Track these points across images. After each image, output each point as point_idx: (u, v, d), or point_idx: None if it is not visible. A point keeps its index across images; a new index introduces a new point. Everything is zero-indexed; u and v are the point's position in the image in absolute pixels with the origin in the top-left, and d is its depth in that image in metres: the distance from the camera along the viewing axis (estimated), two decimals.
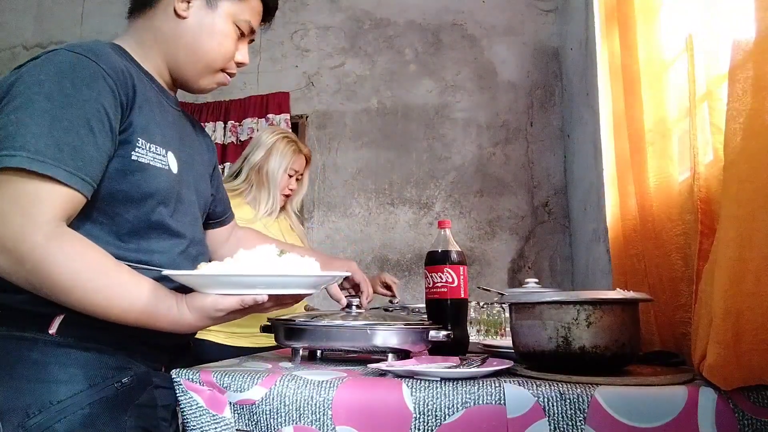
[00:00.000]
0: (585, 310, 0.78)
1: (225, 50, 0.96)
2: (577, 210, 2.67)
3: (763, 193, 0.67)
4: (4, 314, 0.81)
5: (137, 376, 0.86)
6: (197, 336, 1.14)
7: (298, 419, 0.77)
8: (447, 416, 0.73)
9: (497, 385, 0.74)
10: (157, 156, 0.88)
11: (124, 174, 0.83)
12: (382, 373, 0.83)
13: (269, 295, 0.80)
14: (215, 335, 1.64)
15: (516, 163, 3.01)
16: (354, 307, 1.05)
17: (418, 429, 0.73)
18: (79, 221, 0.80)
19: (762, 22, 0.69)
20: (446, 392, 0.74)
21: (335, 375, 0.82)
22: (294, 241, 1.81)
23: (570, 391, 0.71)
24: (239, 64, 1.01)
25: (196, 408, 0.81)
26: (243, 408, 0.80)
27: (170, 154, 0.91)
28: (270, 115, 3.22)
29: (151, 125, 0.89)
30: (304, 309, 1.98)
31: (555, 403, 0.71)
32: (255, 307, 0.81)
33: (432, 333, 0.97)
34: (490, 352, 1.00)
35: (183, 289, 0.82)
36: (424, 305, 1.17)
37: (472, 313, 1.43)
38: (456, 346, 1.05)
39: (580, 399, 0.70)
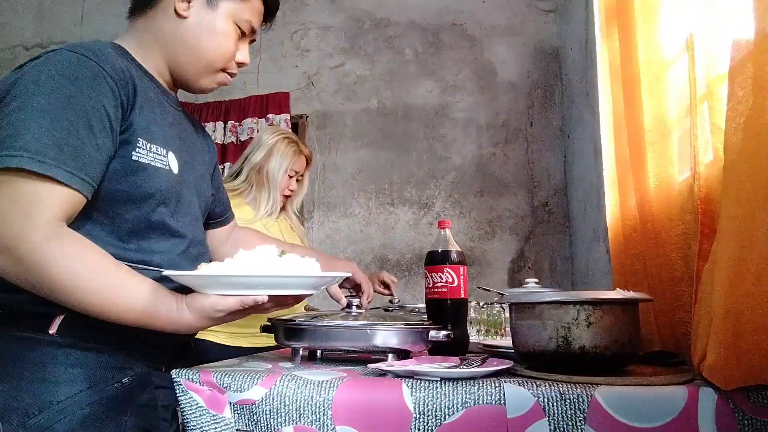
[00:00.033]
0: (585, 310, 0.78)
1: (225, 50, 0.96)
2: (577, 210, 2.67)
3: (763, 193, 0.67)
4: (4, 314, 0.81)
5: (137, 376, 0.86)
6: (197, 336, 1.14)
7: (298, 419, 0.77)
8: (447, 416, 0.73)
9: (497, 385, 0.74)
10: (157, 156, 0.88)
11: (124, 174, 0.83)
12: (382, 373, 0.83)
13: (269, 296, 0.80)
14: (215, 335, 1.64)
15: (516, 163, 3.01)
16: (354, 307, 1.05)
17: (418, 429, 0.73)
18: (79, 221, 0.80)
19: (761, 22, 0.69)
20: (446, 392, 0.74)
21: (335, 375, 0.82)
22: (294, 242, 1.81)
23: (570, 391, 0.71)
24: (240, 64, 1.01)
25: (196, 408, 0.81)
26: (243, 408, 0.80)
27: (171, 155, 0.91)
28: (270, 115, 3.23)
29: (152, 125, 0.89)
30: (304, 309, 1.98)
31: (555, 403, 0.71)
32: (255, 308, 0.81)
33: (432, 333, 0.97)
34: (490, 352, 1.00)
35: (183, 290, 0.82)
36: (423, 305, 1.17)
37: (472, 313, 1.43)
38: (456, 346, 1.05)
39: (580, 399, 0.70)
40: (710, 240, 0.81)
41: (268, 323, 1.04)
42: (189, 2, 0.93)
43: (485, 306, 1.44)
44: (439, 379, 0.76)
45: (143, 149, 0.85)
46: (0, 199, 0.73)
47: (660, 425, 0.68)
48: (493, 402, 0.72)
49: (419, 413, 0.73)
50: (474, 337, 1.37)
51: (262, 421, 0.78)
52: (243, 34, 0.99)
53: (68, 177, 0.75)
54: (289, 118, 3.23)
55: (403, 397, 0.74)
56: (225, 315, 0.80)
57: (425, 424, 0.73)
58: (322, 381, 0.79)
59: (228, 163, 3.17)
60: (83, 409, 0.78)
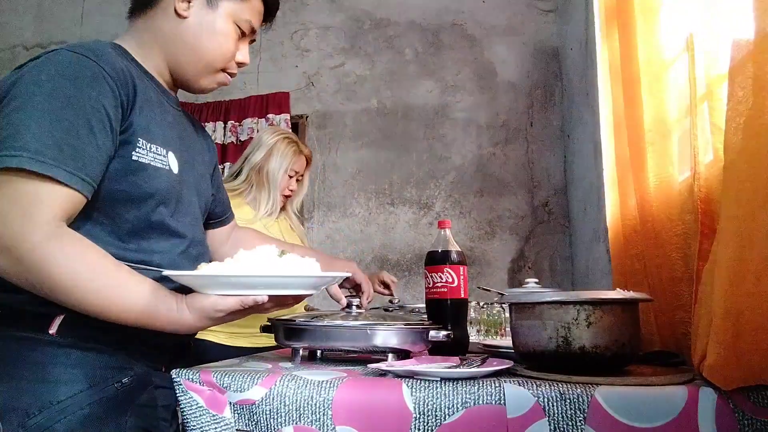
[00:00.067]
0: (585, 310, 0.78)
1: (225, 50, 0.96)
2: (577, 210, 2.67)
3: (763, 193, 0.67)
4: (4, 314, 0.81)
5: (137, 376, 0.86)
6: (197, 336, 1.14)
7: (298, 419, 0.77)
8: (447, 416, 0.73)
9: (497, 385, 0.74)
10: (157, 156, 0.88)
11: (124, 174, 0.83)
12: (382, 373, 0.83)
13: (269, 296, 0.80)
14: (215, 335, 1.64)
15: (516, 163, 3.01)
16: (354, 307, 1.05)
17: (418, 429, 0.73)
18: (79, 221, 0.80)
19: (760, 22, 0.69)
20: (446, 392, 0.74)
21: (335, 375, 0.82)
22: (294, 242, 1.81)
23: (570, 391, 0.71)
24: (240, 64, 1.01)
25: (196, 408, 0.81)
26: (243, 408, 0.80)
27: (171, 155, 0.91)
28: (270, 115, 3.23)
29: (152, 125, 0.89)
30: (304, 309, 1.98)
31: (555, 403, 0.71)
32: (255, 308, 0.81)
33: (432, 333, 0.97)
34: (490, 352, 1.00)
35: (183, 290, 0.82)
36: (423, 305, 1.17)
37: (472, 313, 1.43)
38: (456, 346, 1.05)
39: (580, 399, 0.70)
40: (710, 240, 0.81)
41: (268, 323, 1.04)
42: (189, 2, 0.93)
43: (485, 306, 1.44)
44: (439, 379, 0.76)
45: (143, 149, 0.85)
46: (0, 199, 0.73)
47: (660, 425, 0.68)
48: (493, 402, 0.72)
49: (419, 413, 0.73)
50: (474, 337, 1.37)
51: (262, 421, 0.78)
52: (243, 34, 0.98)
53: (68, 177, 0.75)
54: (289, 118, 3.23)
55: (403, 397, 0.74)
56: (225, 315, 0.80)
57: (425, 424, 0.73)
58: (322, 381, 0.79)
59: (228, 163, 3.17)
60: (83, 409, 0.78)
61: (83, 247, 0.77)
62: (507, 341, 1.00)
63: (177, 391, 0.83)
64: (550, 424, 0.70)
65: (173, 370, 0.85)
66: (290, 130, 2.61)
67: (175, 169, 0.92)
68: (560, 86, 2.99)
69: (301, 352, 1.00)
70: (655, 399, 0.69)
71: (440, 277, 1.09)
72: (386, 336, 0.94)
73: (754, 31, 0.70)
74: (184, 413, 0.82)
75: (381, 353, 0.97)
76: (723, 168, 0.74)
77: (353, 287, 1.37)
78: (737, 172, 0.70)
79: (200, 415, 0.81)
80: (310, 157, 1.90)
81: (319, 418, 0.76)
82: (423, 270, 1.13)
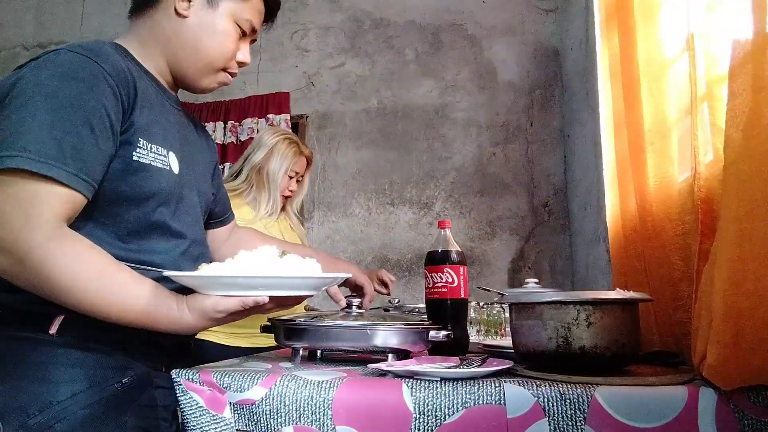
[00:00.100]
0: (585, 310, 0.78)
1: (226, 49, 0.96)
2: (577, 210, 2.67)
3: (763, 193, 0.67)
4: (4, 314, 0.81)
5: (137, 376, 0.86)
6: (197, 336, 1.14)
7: (298, 419, 0.77)
8: (447, 416, 0.73)
9: (497, 385, 0.74)
10: (158, 156, 0.88)
11: (125, 174, 0.83)
12: (382, 373, 0.83)
13: (270, 297, 0.80)
14: (216, 335, 1.64)
15: (516, 163, 3.01)
16: (354, 308, 1.05)
17: (418, 429, 0.73)
18: (80, 222, 0.80)
19: (759, 23, 0.69)
20: (446, 392, 0.74)
21: (335, 375, 0.82)
22: (294, 242, 1.81)
23: (570, 391, 0.71)
24: (240, 64, 1.01)
25: (196, 408, 0.81)
26: (243, 408, 0.80)
27: (171, 155, 0.91)
28: (270, 115, 3.23)
29: (153, 125, 0.89)
30: (305, 309, 1.98)
31: (555, 403, 0.71)
32: (256, 309, 0.81)
33: (432, 333, 0.97)
34: (490, 352, 1.00)
35: (184, 290, 0.82)
36: (423, 305, 1.17)
37: (472, 313, 1.43)
38: (456, 346, 1.05)
39: (580, 399, 0.70)
40: (710, 240, 0.81)
41: (268, 323, 1.04)
42: (189, 2, 0.93)
43: (485, 306, 1.45)
44: (439, 379, 0.76)
45: (144, 149, 0.85)
46: (0, 199, 0.73)
47: (660, 425, 0.68)
48: (493, 402, 0.72)
49: (419, 413, 0.73)
50: (474, 337, 1.37)
51: (262, 421, 0.78)
52: (244, 34, 0.98)
53: (69, 177, 0.75)
54: (289, 118, 3.23)
55: (403, 397, 0.74)
56: (225, 315, 0.80)
57: (425, 424, 0.73)
58: (322, 381, 0.79)
59: (228, 163, 3.17)
60: (83, 409, 0.78)
61: (84, 247, 0.77)
62: (507, 341, 1.00)
63: (177, 391, 0.83)
64: (550, 424, 0.70)
65: (173, 370, 0.85)
66: (290, 131, 2.61)
67: (176, 169, 0.92)
68: (560, 86, 2.99)
69: (301, 352, 1.00)
70: (655, 399, 0.69)
71: (440, 277, 1.09)
72: (386, 336, 0.94)
73: (753, 31, 0.70)
74: (184, 413, 0.82)
75: (381, 353, 0.97)
76: (723, 168, 0.74)
77: (353, 288, 1.37)
78: (737, 172, 0.70)
79: (200, 415, 0.81)
80: (310, 157, 1.90)
81: (319, 418, 0.76)
82: (423, 270, 1.13)
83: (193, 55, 0.95)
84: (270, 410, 0.78)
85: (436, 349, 1.03)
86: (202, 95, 2.71)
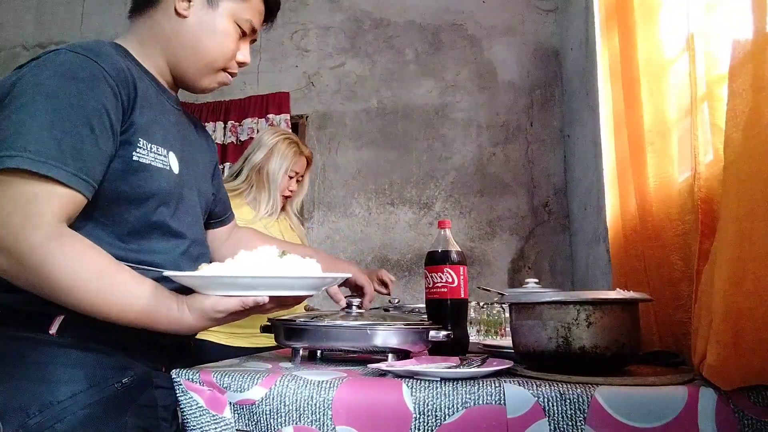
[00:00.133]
0: (585, 310, 0.78)
1: (226, 49, 0.96)
2: (577, 210, 2.67)
3: (763, 193, 0.67)
4: (4, 314, 0.81)
5: (137, 376, 0.86)
6: (197, 336, 1.14)
7: (298, 419, 0.77)
8: (447, 416, 0.73)
9: (497, 385, 0.74)
10: (158, 156, 0.88)
11: (125, 174, 0.83)
12: (382, 373, 0.83)
13: (270, 297, 0.80)
14: (216, 335, 1.64)
15: (516, 163, 3.01)
16: (354, 308, 1.05)
17: (418, 429, 0.73)
18: (80, 222, 0.80)
19: (759, 22, 0.69)
20: (446, 392, 0.74)
21: (335, 375, 0.82)
22: (294, 242, 1.81)
23: (570, 391, 0.71)
24: (240, 64, 1.01)
25: (196, 408, 0.81)
26: (243, 408, 0.80)
27: (171, 155, 0.91)
28: (270, 115, 3.23)
29: (153, 125, 0.89)
30: (305, 309, 1.98)
31: (555, 403, 0.71)
32: (256, 309, 0.81)
33: (432, 333, 0.97)
34: (490, 352, 1.00)
35: (184, 290, 0.82)
36: (423, 305, 1.17)
37: (472, 313, 1.43)
38: (456, 346, 1.05)
39: (580, 399, 0.70)
40: (710, 240, 0.81)
41: (268, 323, 1.04)
42: (189, 1, 0.93)
43: (485, 306, 1.45)
44: (439, 379, 0.76)
45: (144, 149, 0.85)
46: (0, 199, 0.73)
47: (660, 425, 0.68)
48: (493, 402, 0.72)
49: (419, 413, 0.73)
50: (474, 337, 1.37)
51: (262, 421, 0.78)
52: (244, 34, 0.98)
53: (69, 177, 0.75)
54: (289, 118, 3.23)
55: (403, 397, 0.74)
56: (225, 316, 0.80)
57: (425, 424, 0.73)
58: (322, 381, 0.79)
59: (228, 163, 3.17)
60: (83, 409, 0.78)
61: (83, 247, 0.77)
62: (507, 341, 1.00)
63: (177, 391, 0.83)
64: (550, 424, 0.70)
65: (173, 370, 0.85)
66: (290, 131, 2.61)
67: (176, 169, 0.92)
68: (560, 86, 2.99)
69: (301, 352, 1.00)
70: (655, 399, 0.69)
71: (440, 277, 1.09)
72: (386, 336, 0.94)
73: (753, 31, 0.70)
74: (184, 413, 0.82)
75: (381, 353, 0.97)
76: (723, 168, 0.74)
77: (354, 288, 1.37)
78: (737, 172, 0.70)
79: (200, 415, 0.81)
80: (310, 157, 1.90)
81: (319, 418, 0.76)
82: (423, 270, 1.13)
83: (193, 55, 0.95)
84: (270, 410, 0.78)
85: (436, 349, 1.03)
86: (202, 95, 2.71)
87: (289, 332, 0.99)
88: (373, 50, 3.26)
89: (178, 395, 0.83)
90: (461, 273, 1.09)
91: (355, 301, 1.06)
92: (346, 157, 3.20)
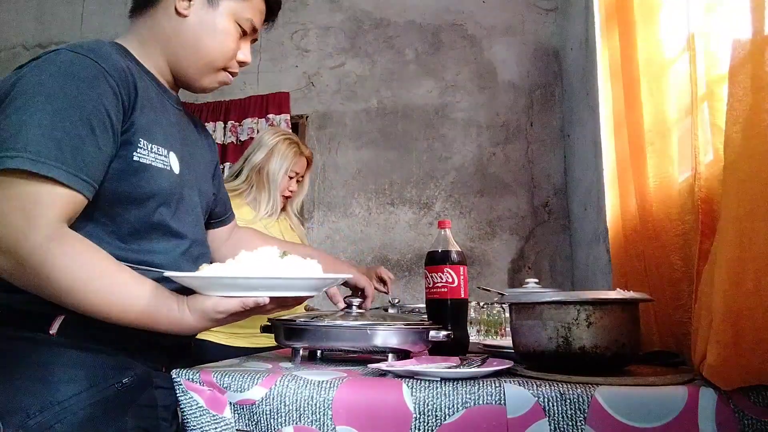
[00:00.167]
0: (585, 310, 0.78)
1: (226, 49, 0.96)
2: (577, 210, 2.67)
3: (763, 193, 0.67)
4: (5, 314, 0.81)
5: (138, 377, 0.86)
6: (198, 336, 1.14)
7: (298, 419, 0.77)
8: (447, 416, 0.73)
9: (497, 385, 0.74)
10: (158, 156, 0.88)
11: (125, 174, 0.83)
12: (382, 373, 0.83)
13: (271, 297, 0.80)
14: (216, 336, 1.64)
15: (516, 163, 3.01)
16: (354, 308, 1.05)
17: (418, 429, 0.73)
18: (80, 222, 0.80)
19: (757, 23, 0.69)
20: (446, 392, 0.74)
21: (335, 375, 0.82)
22: (294, 242, 1.81)
23: (570, 391, 0.71)
24: (241, 63, 1.01)
25: (196, 408, 0.81)
26: (243, 408, 0.80)
27: (172, 155, 0.91)
28: (270, 115, 3.23)
29: (153, 125, 0.88)
30: (305, 309, 1.98)
31: (555, 403, 0.71)
32: (256, 309, 0.81)
33: (432, 333, 0.97)
34: (490, 352, 1.00)
35: (184, 291, 0.82)
36: (423, 305, 1.17)
37: (472, 313, 1.44)
38: (456, 346, 1.05)
39: (580, 399, 0.70)
40: (710, 240, 0.81)
41: (268, 323, 1.04)
42: (190, 1, 0.93)
43: (485, 306, 1.45)
44: (439, 379, 0.76)
45: (144, 149, 0.85)
46: (0, 200, 0.73)
47: (660, 425, 0.68)
48: (493, 402, 0.73)
49: (419, 413, 0.73)
50: (474, 337, 1.37)
51: (262, 421, 0.78)
52: (244, 33, 0.98)
53: (69, 178, 0.75)
54: (289, 118, 3.23)
55: (403, 397, 0.74)
56: (226, 316, 0.80)
57: (425, 424, 0.73)
58: (322, 381, 0.79)
59: (228, 163, 3.17)
60: (83, 410, 0.78)
61: (84, 247, 0.77)
62: (507, 341, 1.00)
63: (177, 391, 0.83)
64: (550, 424, 0.70)
65: (173, 370, 0.85)
66: (291, 131, 2.61)
67: (176, 170, 0.92)
68: (560, 86, 2.99)
69: (301, 352, 1.00)
70: (655, 399, 0.69)
71: (440, 277, 1.09)
72: (386, 336, 0.94)
73: (752, 31, 0.70)
74: (184, 413, 0.82)
75: (381, 353, 0.97)
76: (723, 168, 0.74)
77: (354, 288, 1.37)
78: (737, 172, 0.70)
79: (200, 415, 0.81)
80: (310, 158, 1.90)
81: (319, 418, 0.76)
82: (423, 270, 1.13)
83: (193, 54, 0.95)
84: (270, 410, 0.78)
85: (436, 349, 1.03)
86: (202, 95, 2.71)
87: (289, 332, 0.99)
88: (373, 50, 3.26)
89: (178, 395, 0.83)
90: (461, 273, 1.09)
91: (355, 301, 1.06)
92: (346, 157, 3.20)
